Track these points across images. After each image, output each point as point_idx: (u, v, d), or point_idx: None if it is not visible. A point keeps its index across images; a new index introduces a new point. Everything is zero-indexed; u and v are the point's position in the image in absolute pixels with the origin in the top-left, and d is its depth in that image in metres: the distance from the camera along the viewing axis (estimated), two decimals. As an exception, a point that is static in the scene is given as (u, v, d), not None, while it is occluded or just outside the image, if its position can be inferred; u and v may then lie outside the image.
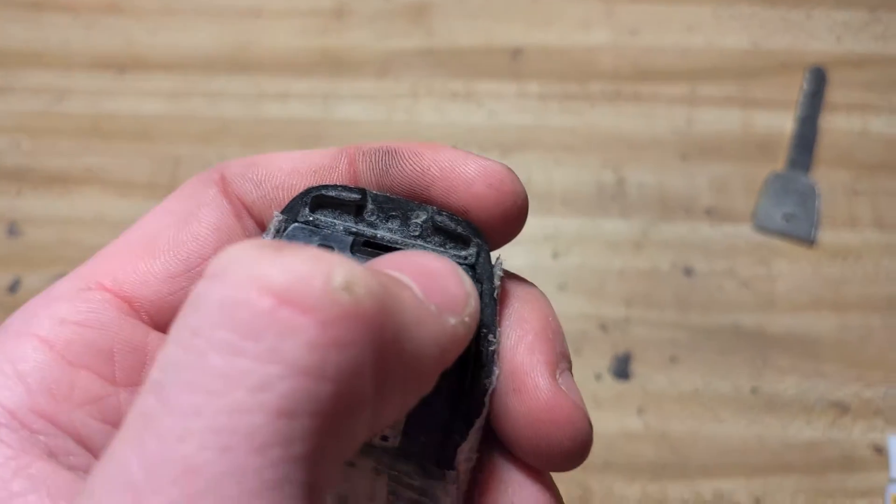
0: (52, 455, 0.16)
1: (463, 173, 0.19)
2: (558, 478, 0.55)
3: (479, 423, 0.19)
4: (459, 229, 0.19)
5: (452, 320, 0.16)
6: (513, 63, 0.62)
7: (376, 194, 0.20)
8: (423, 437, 0.19)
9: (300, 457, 0.12)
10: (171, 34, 0.64)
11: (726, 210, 0.57)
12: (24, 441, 0.16)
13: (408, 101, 0.61)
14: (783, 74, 0.61)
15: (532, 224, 0.57)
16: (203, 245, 0.20)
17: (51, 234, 0.58)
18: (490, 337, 0.19)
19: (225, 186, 0.21)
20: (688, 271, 0.56)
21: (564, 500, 0.52)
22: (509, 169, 0.20)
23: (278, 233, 0.20)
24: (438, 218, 0.20)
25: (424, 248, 0.20)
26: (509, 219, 0.20)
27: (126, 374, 0.18)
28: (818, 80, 0.59)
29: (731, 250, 0.56)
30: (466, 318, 0.17)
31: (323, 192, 0.20)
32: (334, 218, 0.20)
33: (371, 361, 0.13)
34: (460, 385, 0.19)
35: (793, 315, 0.54)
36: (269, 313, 0.13)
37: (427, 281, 0.17)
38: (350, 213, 0.20)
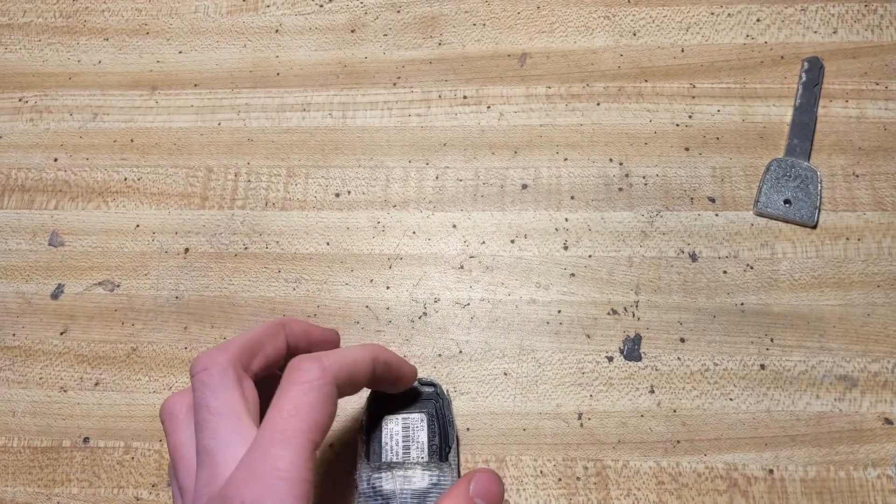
0: None
1: None
2: (574, 455, 0.56)
3: (453, 446, 0.47)
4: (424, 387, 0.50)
5: None
6: (520, 67, 0.65)
7: None
8: (436, 452, 0.47)
9: None
10: (197, 53, 0.68)
11: (729, 197, 0.59)
12: None
13: (421, 107, 0.64)
14: (780, 66, 0.63)
15: (543, 218, 0.60)
16: None
17: (91, 242, 0.62)
18: (451, 418, 0.49)
19: None
20: (693, 257, 0.58)
21: (581, 477, 0.54)
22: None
23: None
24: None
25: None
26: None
27: None
28: (815, 70, 0.62)
29: (735, 235, 0.58)
30: None
31: None
32: None
33: None
34: (446, 436, 0.48)
35: (797, 294, 0.56)
36: None
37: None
38: None
